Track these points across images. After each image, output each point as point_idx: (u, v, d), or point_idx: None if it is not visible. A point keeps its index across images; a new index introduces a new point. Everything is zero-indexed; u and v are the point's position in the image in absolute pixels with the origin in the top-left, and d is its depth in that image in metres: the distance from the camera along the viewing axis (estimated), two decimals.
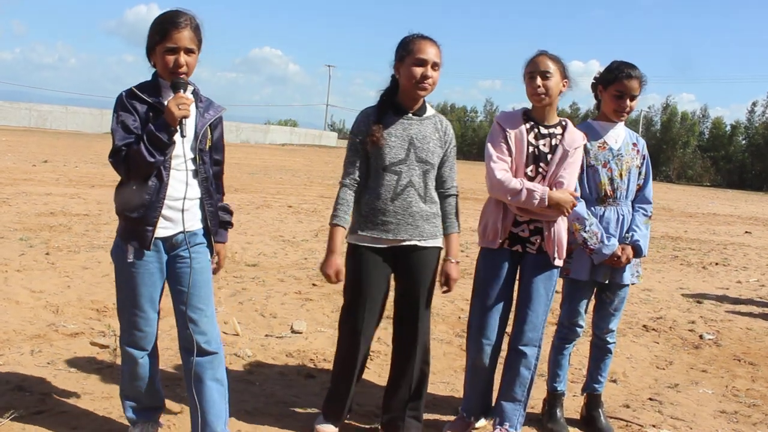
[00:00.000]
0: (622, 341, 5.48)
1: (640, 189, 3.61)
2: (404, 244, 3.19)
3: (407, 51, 3.10)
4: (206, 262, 2.96)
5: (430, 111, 3.28)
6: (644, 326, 6.07)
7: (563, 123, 3.38)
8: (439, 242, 3.28)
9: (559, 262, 3.36)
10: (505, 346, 3.50)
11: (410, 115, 3.20)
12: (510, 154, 3.30)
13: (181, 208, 2.83)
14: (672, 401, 4.23)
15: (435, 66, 3.09)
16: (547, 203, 3.19)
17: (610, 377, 4.58)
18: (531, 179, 3.29)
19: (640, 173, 3.60)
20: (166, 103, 2.72)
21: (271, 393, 3.87)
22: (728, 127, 67.68)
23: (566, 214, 3.27)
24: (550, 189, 3.23)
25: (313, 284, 6.66)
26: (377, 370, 4.28)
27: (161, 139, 2.66)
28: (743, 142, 66.39)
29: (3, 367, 3.86)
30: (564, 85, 3.31)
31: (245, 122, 62.79)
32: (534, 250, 3.33)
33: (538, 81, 3.23)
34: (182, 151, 2.79)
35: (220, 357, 2.99)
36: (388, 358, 3.59)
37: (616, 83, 3.45)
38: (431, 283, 3.27)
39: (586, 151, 3.48)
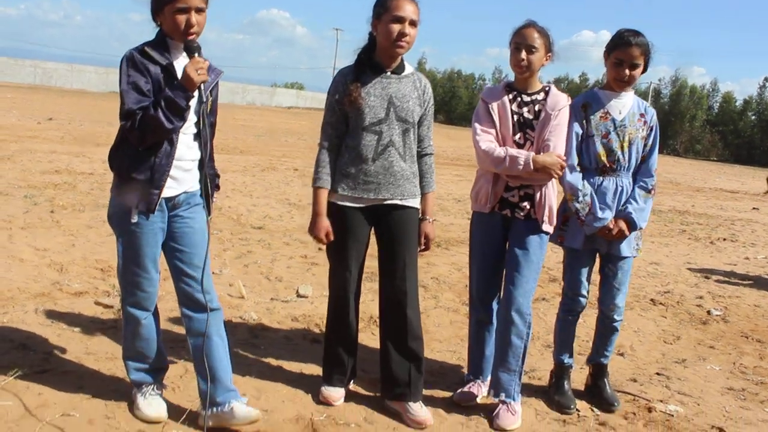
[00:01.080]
0: (630, 314, 5.44)
1: (644, 161, 3.51)
2: (385, 203, 3.18)
3: (384, 8, 3.04)
4: (204, 222, 2.94)
5: (408, 69, 3.23)
6: (652, 300, 6.02)
7: (546, 88, 3.39)
8: (418, 202, 3.28)
9: (548, 228, 3.35)
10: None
11: (389, 73, 3.16)
12: (494, 126, 3.33)
13: (186, 167, 2.81)
14: (679, 376, 4.20)
15: (413, 23, 3.04)
16: (532, 167, 3.20)
17: (617, 351, 4.55)
18: (520, 146, 3.32)
19: (645, 145, 3.50)
20: (176, 63, 2.66)
21: (276, 357, 3.84)
22: (738, 102, 67.02)
23: (555, 176, 3.28)
24: (538, 153, 3.25)
25: (319, 248, 6.60)
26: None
27: (180, 105, 2.58)
28: (753, 117, 65.79)
29: (7, 324, 3.83)
30: (547, 59, 3.34)
31: (251, 84, 62.40)
32: (522, 216, 3.33)
33: (523, 54, 3.26)
34: (189, 114, 2.74)
35: (222, 313, 3.01)
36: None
37: (615, 50, 3.37)
38: (415, 241, 3.27)
39: (588, 120, 3.43)
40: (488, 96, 3.41)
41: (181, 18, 2.61)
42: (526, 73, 3.31)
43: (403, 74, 3.19)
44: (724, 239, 10.21)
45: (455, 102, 70.93)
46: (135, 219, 2.74)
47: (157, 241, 2.82)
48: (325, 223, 3.18)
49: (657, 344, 4.83)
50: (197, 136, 2.83)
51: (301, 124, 32.63)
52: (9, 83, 41.57)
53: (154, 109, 2.56)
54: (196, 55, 2.65)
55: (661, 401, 3.76)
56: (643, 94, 64.08)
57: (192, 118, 2.77)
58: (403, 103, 3.14)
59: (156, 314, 3.02)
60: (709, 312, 5.80)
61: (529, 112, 3.34)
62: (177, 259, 2.89)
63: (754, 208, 15.60)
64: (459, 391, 3.54)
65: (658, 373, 4.22)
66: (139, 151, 2.67)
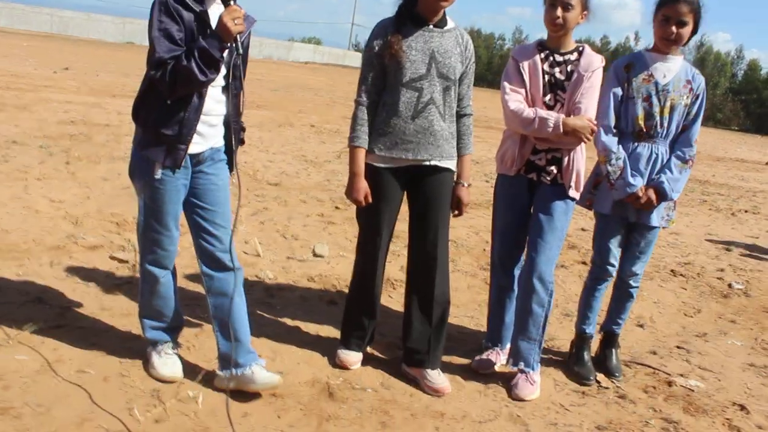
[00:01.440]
0: (649, 285, 5.35)
1: (685, 130, 3.39)
2: (423, 164, 3.06)
3: None
4: (227, 179, 2.86)
5: (450, 24, 3.09)
6: (672, 271, 5.92)
7: (580, 48, 3.26)
8: (454, 164, 3.17)
9: (574, 194, 3.26)
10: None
11: (431, 27, 3.01)
12: (524, 86, 3.21)
13: (213, 122, 2.72)
14: (700, 351, 4.13)
15: None
16: (562, 130, 3.09)
17: (637, 322, 4.48)
18: (551, 108, 3.20)
19: (689, 113, 3.37)
20: (210, 11, 2.55)
21: (292, 318, 3.80)
22: (764, 71, 65.67)
23: (585, 140, 3.17)
24: (568, 116, 3.13)
25: (336, 207, 6.55)
26: (401, 300, 4.17)
27: (214, 56, 2.45)
28: None
29: (23, 277, 3.80)
30: (583, 17, 3.20)
31: (268, 38, 61.77)
32: (548, 180, 3.24)
33: (558, 12, 3.12)
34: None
35: (242, 273, 2.95)
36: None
37: (663, 7, 3.25)
38: (448, 205, 3.17)
39: (629, 82, 3.31)
40: (519, 54, 3.28)
41: None
42: (560, 32, 3.17)
43: (446, 28, 3.05)
44: (746, 211, 10.04)
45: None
46: (158, 175, 2.65)
47: (180, 198, 2.75)
48: (364, 184, 3.04)
49: (677, 316, 4.75)
50: (225, 90, 2.73)
51: (318, 80, 32.31)
52: (26, 31, 41.35)
53: (186, 59, 2.44)
54: (232, 2, 2.52)
55: (682, 375, 3.70)
56: (684, 53, 62.82)
57: (222, 70, 2.65)
58: (446, 59, 3.00)
59: (174, 272, 2.97)
60: (730, 285, 5.70)
61: (561, 72, 3.21)
62: (199, 217, 2.81)
63: None
64: (477, 358, 3.49)
65: (678, 347, 4.15)
66: (166, 104, 2.56)
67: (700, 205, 9.97)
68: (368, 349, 3.43)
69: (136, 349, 3.10)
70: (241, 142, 2.97)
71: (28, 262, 4.02)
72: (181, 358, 3.03)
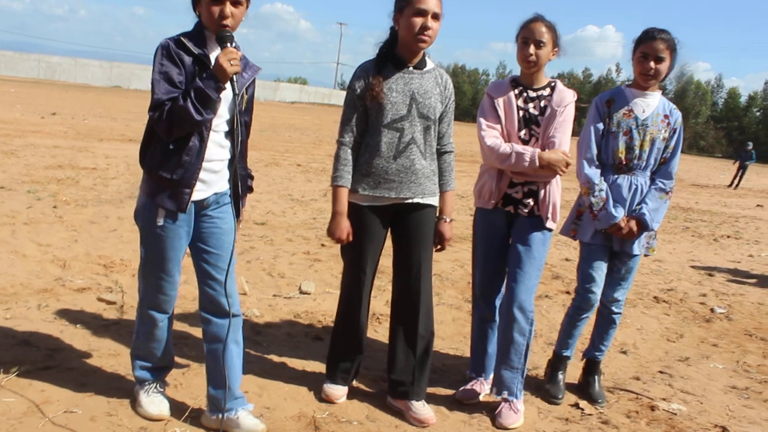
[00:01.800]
0: (633, 312, 5.43)
1: (665, 162, 3.52)
2: (405, 202, 3.14)
3: (407, 1, 2.98)
4: (232, 224, 2.85)
5: (430, 64, 3.18)
6: (655, 297, 6.01)
7: (552, 84, 3.38)
8: (437, 200, 3.24)
9: (551, 224, 3.34)
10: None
11: (411, 68, 3.10)
12: (500, 122, 3.31)
13: (215, 169, 2.73)
14: (682, 375, 4.19)
15: (435, 17, 2.98)
16: (538, 164, 3.19)
17: (620, 348, 4.55)
18: (525, 142, 3.30)
19: (667, 146, 3.50)
20: (211, 56, 2.59)
21: (278, 354, 3.84)
22: (743, 98, 66.82)
23: (560, 173, 3.27)
24: (543, 150, 3.23)
25: (322, 244, 6.61)
26: (386, 334, 4.22)
27: (210, 96, 2.49)
28: (758, 113, 65.58)
29: (10, 320, 3.83)
30: (554, 54, 3.33)
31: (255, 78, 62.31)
32: (526, 212, 3.33)
33: (531, 49, 3.24)
34: (221, 111, 2.66)
35: (241, 320, 2.96)
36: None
37: (641, 45, 3.41)
38: (431, 240, 3.24)
39: (610, 116, 3.43)
40: (494, 91, 3.39)
41: (216, 8, 2.54)
42: (533, 68, 3.30)
43: (425, 69, 3.14)
44: (728, 236, 10.19)
45: (459, 97, 70.48)
46: (161, 222, 2.67)
47: (182, 244, 2.76)
48: (346, 223, 3.10)
49: (660, 342, 4.82)
50: (229, 135, 2.75)
51: (304, 120, 32.60)
52: (13, 77, 41.57)
53: (183, 99, 2.48)
54: (229, 45, 2.56)
55: (664, 399, 3.75)
56: (662, 89, 63.89)
57: (224, 114, 2.68)
58: (426, 100, 3.09)
59: (171, 316, 2.99)
60: (712, 310, 5.79)
61: (534, 107, 3.32)
62: (203, 261, 2.82)
63: (758, 206, 15.57)
64: (462, 388, 3.54)
65: (661, 372, 4.21)
66: (169, 149, 2.59)
67: (683, 232, 10.11)
68: (354, 382, 3.48)
69: (124, 388, 3.13)
70: (249, 189, 3.00)
71: (16, 306, 4.05)
72: (167, 396, 3.06)
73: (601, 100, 3.52)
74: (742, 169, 22.07)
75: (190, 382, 3.31)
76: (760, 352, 4.82)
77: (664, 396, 3.81)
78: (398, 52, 3.09)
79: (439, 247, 3.30)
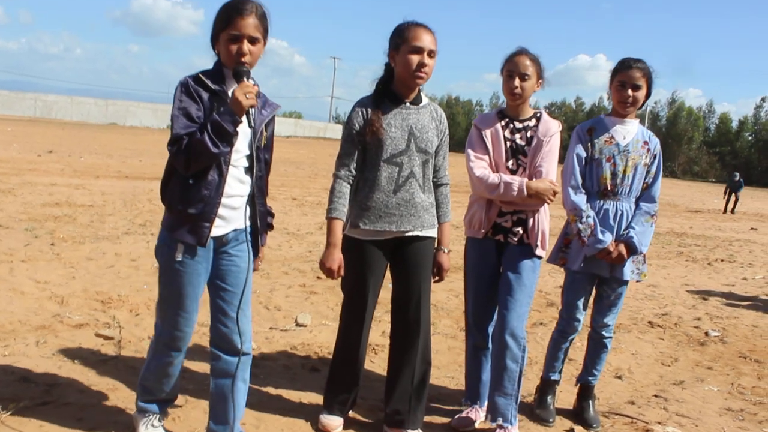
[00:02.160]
0: (627, 337, 5.47)
1: (648, 187, 3.60)
2: (406, 235, 3.19)
3: (402, 39, 3.06)
4: (250, 262, 2.85)
5: (425, 100, 3.26)
6: (649, 322, 6.05)
7: (537, 115, 3.47)
8: (435, 231, 3.30)
9: (540, 252, 3.41)
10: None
11: (408, 104, 3.17)
12: (487, 153, 3.39)
13: (235, 205, 2.74)
14: (677, 398, 4.22)
15: (431, 54, 3.06)
16: (526, 193, 3.27)
17: (615, 373, 4.58)
18: (513, 172, 3.39)
19: (648, 171, 3.59)
20: (229, 92, 2.62)
21: (275, 386, 3.86)
22: (735, 123, 67.47)
23: (548, 201, 3.34)
24: (531, 179, 3.31)
25: (318, 277, 6.65)
26: (382, 364, 4.26)
27: (227, 129, 2.52)
28: (750, 138, 66.14)
29: (8, 357, 3.86)
30: (538, 86, 3.43)
31: None
32: (515, 240, 3.39)
33: (516, 81, 3.34)
34: (240, 146, 2.69)
35: (250, 357, 2.93)
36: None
37: (618, 74, 3.53)
38: (429, 270, 3.28)
39: (592, 144, 3.51)
40: (481, 123, 3.48)
41: (233, 46, 2.59)
42: (518, 101, 3.39)
43: (421, 105, 3.21)
44: (722, 260, 10.25)
45: (454, 128, 71.42)
46: (179, 257, 2.68)
47: (200, 281, 2.76)
48: (339, 256, 3.12)
49: (655, 366, 4.86)
50: (248, 170, 2.76)
51: (300, 154, 32.79)
52: (10, 116, 41.83)
53: (200, 132, 2.52)
54: (245, 79, 2.60)
55: (659, 423, 3.78)
56: (640, 117, 64.58)
57: (243, 149, 2.71)
58: (423, 134, 3.15)
59: (184, 352, 2.95)
60: (706, 333, 5.82)
61: (521, 138, 3.41)
62: (219, 298, 2.83)
63: (752, 229, 15.66)
64: (457, 416, 3.56)
65: (656, 395, 4.24)
66: (188, 184, 2.61)
67: (677, 257, 10.17)
68: (350, 413, 3.50)
69: (122, 422, 3.15)
70: (269, 226, 3.02)
71: (14, 343, 4.08)
72: (166, 430, 3.08)
73: (582, 129, 3.62)
74: (735, 197, 22.25)
75: (188, 414, 3.33)
76: (754, 374, 4.85)
77: (660, 420, 3.84)
78: (395, 88, 3.16)
79: (437, 278, 3.34)
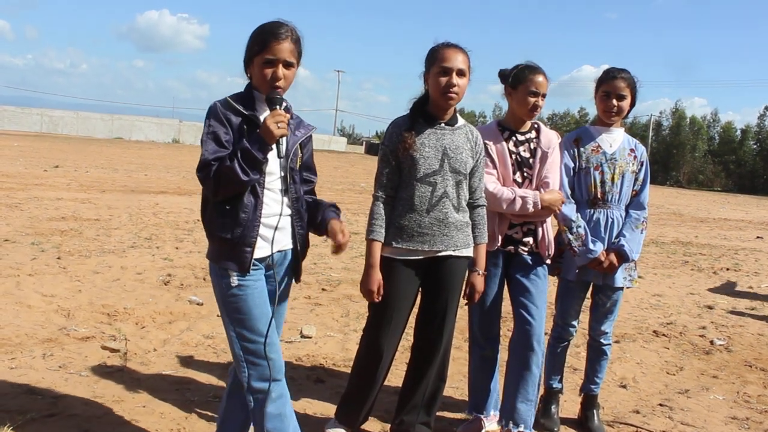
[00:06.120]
0: (632, 346, 5.47)
1: (636, 195, 3.64)
2: (439, 255, 3.16)
3: (433, 60, 3.08)
4: (290, 287, 2.80)
5: (461, 121, 3.25)
6: (654, 332, 6.04)
7: (536, 126, 3.50)
8: (470, 251, 3.25)
9: (548, 260, 3.46)
10: (504, 344, 3.57)
11: (442, 124, 3.17)
12: (495, 167, 3.39)
13: (275, 225, 2.62)
14: (682, 407, 4.21)
15: (460, 73, 3.05)
16: (540, 206, 3.30)
17: (620, 383, 4.57)
18: (520, 185, 3.41)
19: (636, 179, 3.63)
20: (261, 117, 2.56)
21: None
22: (738, 132, 67.39)
23: (557, 211, 3.39)
24: (538, 190, 3.36)
25: (323, 289, 6.67)
26: (392, 378, 4.27)
27: (257, 157, 2.45)
28: (754, 146, 66.04)
29: (15, 370, 3.89)
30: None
31: None
32: (526, 251, 3.42)
33: (540, 101, 3.37)
34: (275, 168, 2.61)
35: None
36: (402, 363, 3.59)
37: (603, 85, 3.57)
38: (458, 291, 3.26)
39: (580, 154, 3.56)
40: (485, 137, 3.44)
41: (268, 71, 2.53)
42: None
43: (456, 126, 3.20)
44: (728, 269, 10.22)
45: None
46: (235, 282, 2.55)
47: (265, 299, 2.62)
48: (378, 276, 3.08)
49: (660, 375, 4.85)
50: (285, 192, 2.67)
51: None
52: (16, 132, 42.11)
53: (230, 159, 2.44)
54: (278, 107, 2.54)
55: None
56: (643, 127, 64.61)
57: (275, 171, 2.63)
58: (457, 155, 3.14)
59: (286, 384, 2.72)
60: (712, 342, 5.81)
61: (525, 150, 3.42)
62: None
63: (758, 237, 15.61)
64: (462, 426, 3.57)
65: (661, 404, 4.23)
66: (225, 209, 2.53)
67: (682, 266, 10.16)
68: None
69: None
70: (337, 209, 2.90)
71: (21, 356, 4.11)
72: None
73: (568, 140, 3.64)
74: None
75: (193, 426, 3.34)
76: (760, 382, 4.84)
77: (665, 428, 3.84)
78: (430, 109, 3.16)
79: (468, 301, 3.30)
